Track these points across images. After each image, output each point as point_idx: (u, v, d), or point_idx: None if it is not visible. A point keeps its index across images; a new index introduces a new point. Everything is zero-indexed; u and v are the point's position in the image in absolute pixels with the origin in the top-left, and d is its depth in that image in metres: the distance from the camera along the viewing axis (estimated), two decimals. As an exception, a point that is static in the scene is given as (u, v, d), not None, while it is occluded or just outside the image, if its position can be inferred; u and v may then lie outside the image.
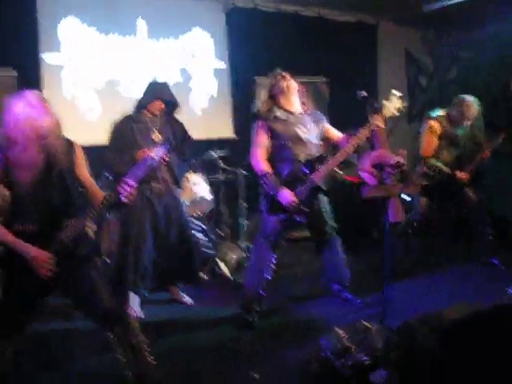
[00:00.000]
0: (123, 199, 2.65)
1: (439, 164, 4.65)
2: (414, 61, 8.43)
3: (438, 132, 4.64)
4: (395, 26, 7.94)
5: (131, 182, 2.66)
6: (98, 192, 2.80)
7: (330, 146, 4.18)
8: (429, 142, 4.64)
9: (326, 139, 4.07)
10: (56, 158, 2.58)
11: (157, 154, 2.87)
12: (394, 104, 3.67)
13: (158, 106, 4.15)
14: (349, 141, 3.70)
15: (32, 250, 2.54)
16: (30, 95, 2.54)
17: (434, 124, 4.63)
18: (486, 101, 4.89)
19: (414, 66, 8.45)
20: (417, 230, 4.87)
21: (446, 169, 4.67)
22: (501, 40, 6.96)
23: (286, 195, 3.67)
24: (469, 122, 4.68)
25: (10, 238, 2.55)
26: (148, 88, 4.23)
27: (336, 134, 4.03)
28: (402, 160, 2.77)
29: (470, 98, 4.65)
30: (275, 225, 3.83)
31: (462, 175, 4.73)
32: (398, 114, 3.71)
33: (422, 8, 6.95)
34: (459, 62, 8.26)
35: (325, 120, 4.07)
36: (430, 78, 8.54)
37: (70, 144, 2.72)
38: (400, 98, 3.69)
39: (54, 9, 5.55)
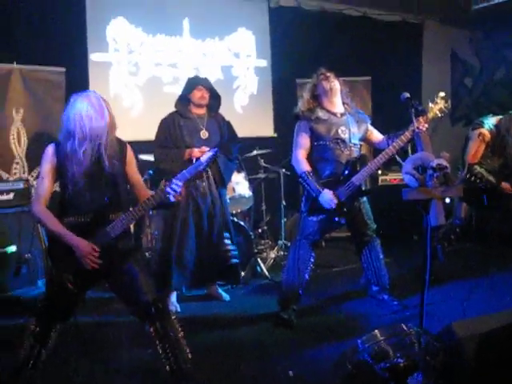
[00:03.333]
0: (172, 199, 2.74)
1: (484, 172, 4.59)
2: (460, 61, 8.24)
3: (487, 140, 4.58)
4: (441, 25, 7.79)
5: (180, 183, 2.74)
6: (144, 190, 2.93)
7: (372, 147, 4.14)
8: (477, 150, 4.59)
9: (367, 140, 4.06)
10: (108, 156, 2.70)
11: (206, 158, 2.92)
12: (438, 105, 3.65)
13: (199, 94, 4.17)
14: (390, 143, 3.69)
15: (80, 242, 2.63)
16: (93, 96, 2.71)
17: (485, 133, 4.57)
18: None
19: (460, 67, 8.26)
20: (458, 234, 4.80)
21: (491, 178, 4.60)
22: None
23: (327, 196, 3.66)
24: None
25: (60, 228, 2.65)
26: (187, 81, 4.29)
27: (378, 135, 4.01)
28: (444, 162, 2.72)
29: None
30: (315, 225, 3.83)
31: (506, 186, 4.66)
32: (441, 115, 3.67)
33: (471, 7, 6.79)
34: (507, 63, 8.03)
35: (368, 121, 4.05)
36: (476, 79, 8.33)
37: (121, 143, 2.86)
38: (443, 98, 3.65)
39: (103, 11, 5.73)
